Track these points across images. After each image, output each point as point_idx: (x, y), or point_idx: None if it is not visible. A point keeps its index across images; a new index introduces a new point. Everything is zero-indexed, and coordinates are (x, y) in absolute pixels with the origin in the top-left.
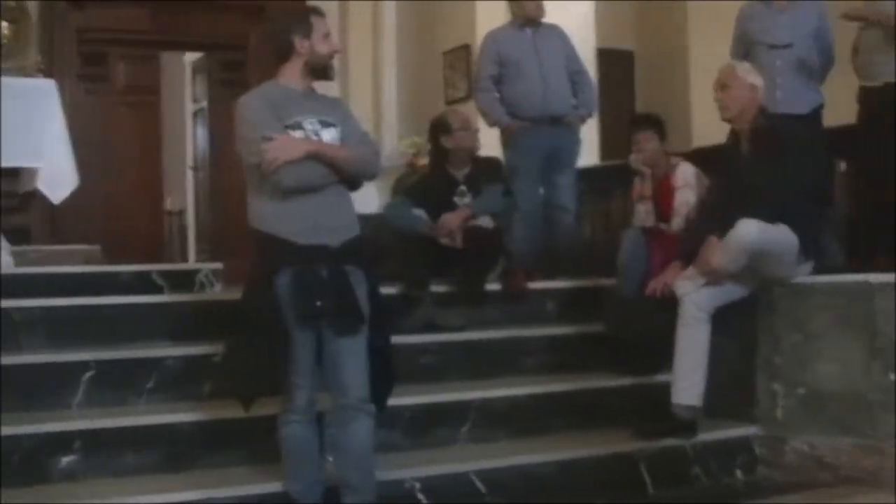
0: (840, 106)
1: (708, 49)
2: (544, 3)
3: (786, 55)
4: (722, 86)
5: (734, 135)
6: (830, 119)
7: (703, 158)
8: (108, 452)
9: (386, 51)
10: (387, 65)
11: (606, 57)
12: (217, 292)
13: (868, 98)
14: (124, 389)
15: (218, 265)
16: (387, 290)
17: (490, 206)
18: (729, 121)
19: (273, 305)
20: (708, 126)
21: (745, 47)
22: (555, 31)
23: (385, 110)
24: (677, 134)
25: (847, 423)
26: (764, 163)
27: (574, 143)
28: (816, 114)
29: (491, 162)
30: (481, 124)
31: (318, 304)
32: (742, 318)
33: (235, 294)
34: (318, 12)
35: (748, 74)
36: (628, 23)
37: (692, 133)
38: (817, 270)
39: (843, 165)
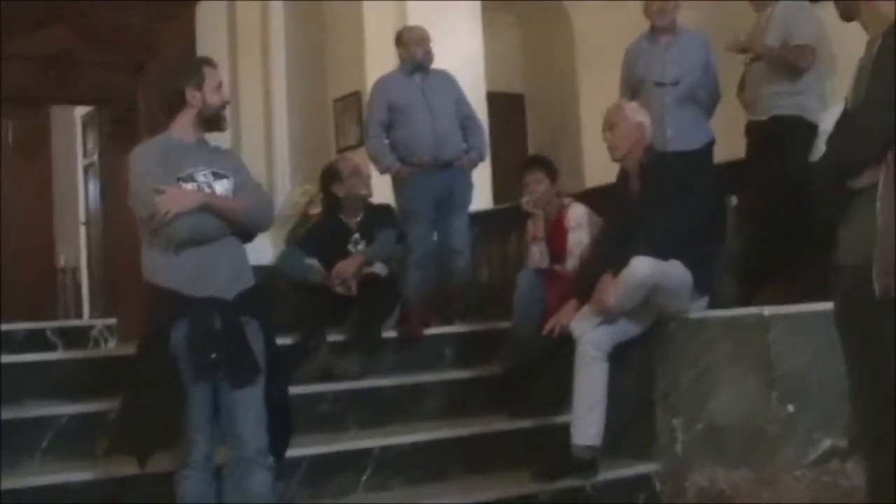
0: (732, 140)
1: (597, 90)
2: (433, 48)
3: (674, 92)
4: (610, 125)
5: (624, 173)
6: (722, 154)
7: (595, 198)
8: None
9: (276, 100)
10: (277, 114)
11: (497, 100)
12: (112, 348)
13: (755, 132)
14: (18, 450)
15: (112, 321)
16: (283, 340)
17: (384, 252)
18: (619, 160)
19: (168, 359)
20: (599, 166)
21: (633, 86)
22: (444, 76)
23: (276, 159)
24: (570, 175)
25: (746, 456)
26: (654, 200)
27: (466, 187)
28: (707, 149)
29: (383, 208)
30: (373, 171)
31: (214, 356)
32: (639, 354)
33: (130, 349)
34: (209, 63)
35: (635, 113)
36: (518, 66)
37: (584, 173)
38: (712, 305)
39: (734, 200)
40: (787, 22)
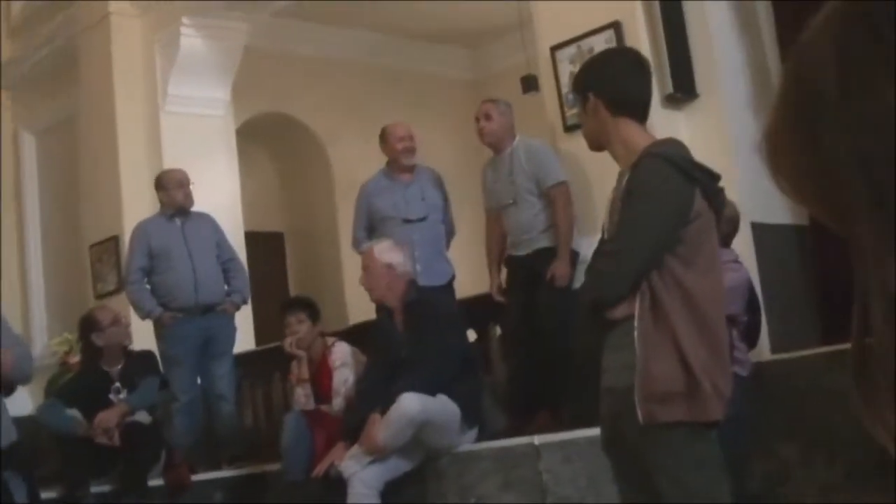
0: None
1: None
2: (192, 191)
3: (422, 229)
4: (364, 268)
5: (386, 310)
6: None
7: (359, 335)
8: None
9: (31, 246)
10: (32, 261)
11: (256, 239)
12: None
13: (516, 265)
14: None
15: None
16: (47, 494)
17: (146, 399)
18: (377, 301)
19: None
20: (362, 302)
21: (371, 222)
22: (204, 219)
23: (33, 308)
24: (333, 311)
25: None
26: (417, 335)
27: (229, 331)
28: (451, 284)
29: (145, 355)
30: (134, 317)
31: None
32: (412, 490)
33: None
34: None
35: (384, 254)
36: (276, 205)
37: (347, 310)
38: (482, 437)
39: (497, 330)
40: (533, 166)
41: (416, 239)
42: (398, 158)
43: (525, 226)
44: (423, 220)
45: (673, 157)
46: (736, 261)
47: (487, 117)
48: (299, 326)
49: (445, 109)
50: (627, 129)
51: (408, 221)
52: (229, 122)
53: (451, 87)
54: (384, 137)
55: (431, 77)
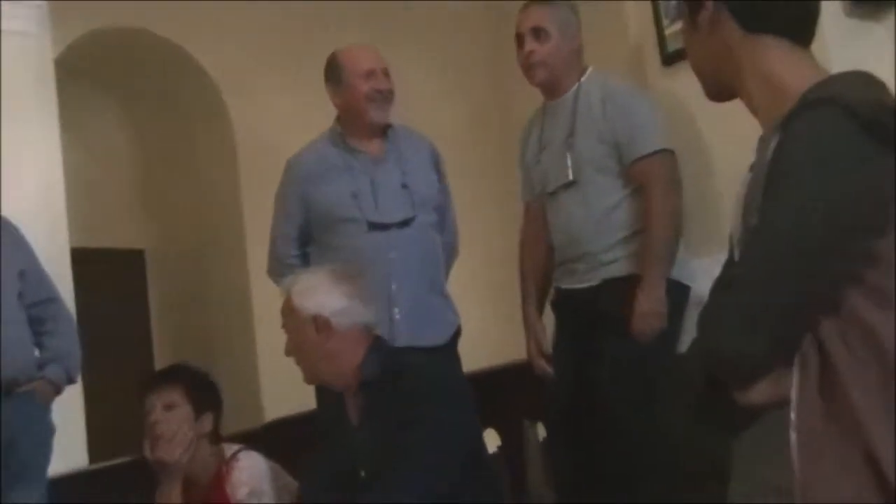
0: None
1: None
2: None
3: (404, 241)
4: (283, 325)
5: (332, 393)
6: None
7: (281, 440)
8: None
9: None
10: None
11: (94, 263)
12: None
13: (573, 306)
14: None
15: None
16: None
17: None
18: (313, 382)
19: None
20: (289, 380)
21: (310, 229)
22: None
23: None
24: (236, 399)
25: None
26: (389, 438)
27: (41, 431)
28: (454, 342)
29: None
30: None
31: None
32: None
33: None
34: None
35: (308, 297)
36: (133, 200)
37: (262, 395)
38: None
39: (539, 430)
40: (614, 119)
41: (395, 259)
42: (361, 111)
43: (588, 227)
44: (405, 224)
45: (857, 106)
46: None
47: (538, 35)
48: (171, 415)
49: (434, 35)
50: (773, 56)
51: (379, 227)
52: (44, 47)
53: None
54: (335, 71)
55: None
